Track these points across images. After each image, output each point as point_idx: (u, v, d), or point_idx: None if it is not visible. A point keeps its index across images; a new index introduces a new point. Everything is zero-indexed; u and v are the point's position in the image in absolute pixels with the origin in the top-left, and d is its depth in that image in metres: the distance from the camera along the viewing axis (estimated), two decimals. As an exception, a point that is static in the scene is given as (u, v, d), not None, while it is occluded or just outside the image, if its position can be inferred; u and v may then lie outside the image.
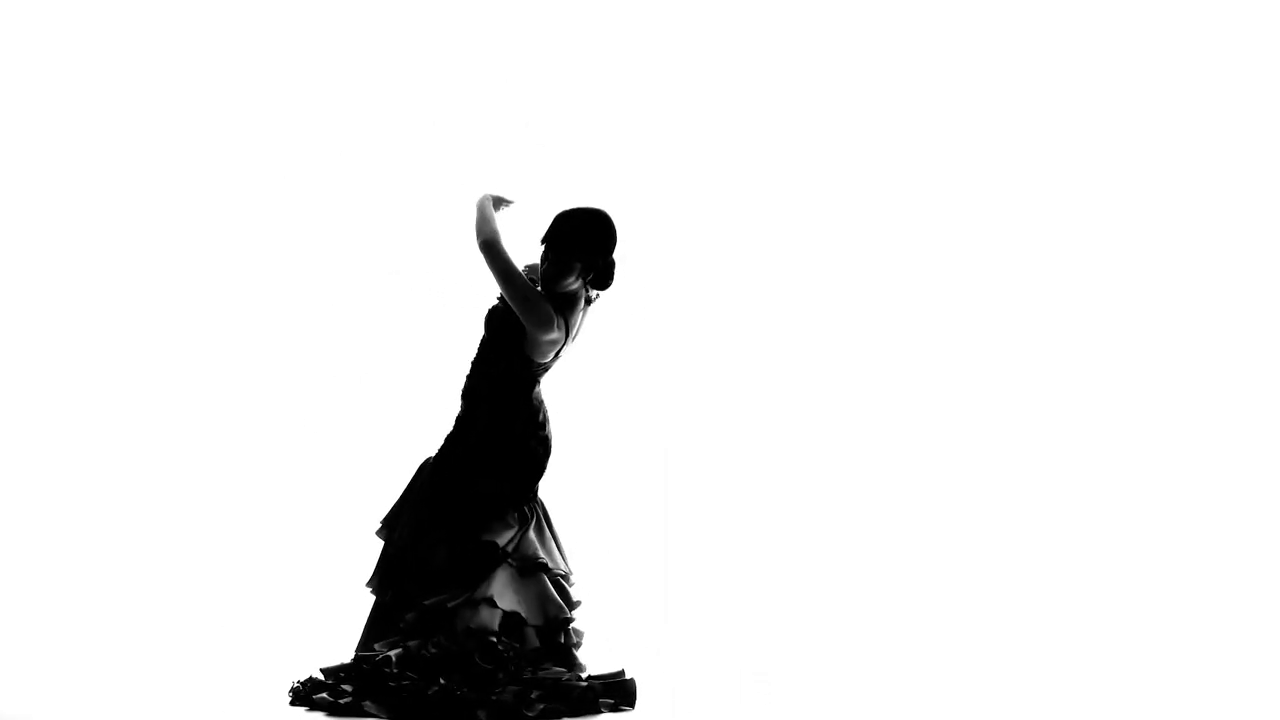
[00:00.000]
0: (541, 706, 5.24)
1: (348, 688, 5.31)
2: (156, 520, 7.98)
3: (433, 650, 5.34)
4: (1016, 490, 8.29)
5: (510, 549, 5.60)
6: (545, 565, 5.68)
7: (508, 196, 5.79)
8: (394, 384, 7.77)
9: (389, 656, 5.34)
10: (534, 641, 5.52)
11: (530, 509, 5.70)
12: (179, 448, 8.12)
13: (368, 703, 5.23)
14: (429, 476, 5.68)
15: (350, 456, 7.94)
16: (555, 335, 5.58)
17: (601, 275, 5.63)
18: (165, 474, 8.07)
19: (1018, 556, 7.99)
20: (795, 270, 8.39)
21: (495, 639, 5.40)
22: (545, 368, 5.67)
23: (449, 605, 5.44)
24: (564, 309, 5.60)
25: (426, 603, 5.46)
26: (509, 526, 5.62)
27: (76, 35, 8.07)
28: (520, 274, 5.55)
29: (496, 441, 5.61)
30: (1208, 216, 8.39)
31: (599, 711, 5.27)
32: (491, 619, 5.46)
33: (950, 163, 8.40)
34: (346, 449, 8.00)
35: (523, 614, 5.55)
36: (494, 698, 5.20)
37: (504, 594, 5.56)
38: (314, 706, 5.25)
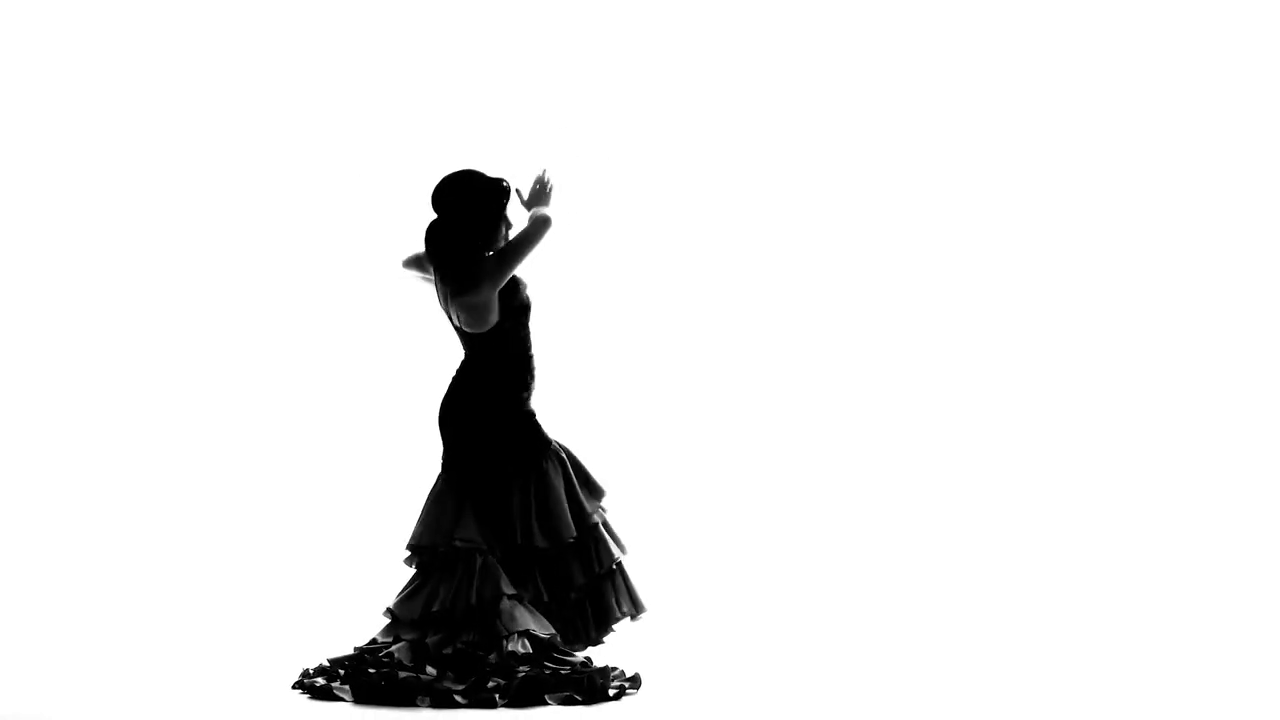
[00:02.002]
0: (489, 695, 5.35)
1: (342, 670, 5.55)
2: (172, 516, 8.24)
3: (459, 647, 5.52)
4: (1005, 487, 8.30)
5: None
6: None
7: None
8: (400, 382, 7.89)
9: (392, 652, 5.54)
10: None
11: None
12: (192, 446, 8.37)
13: (336, 685, 5.48)
14: None
15: (361, 456, 8.16)
16: None
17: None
18: (177, 472, 8.34)
19: (1008, 554, 7.95)
20: (788, 264, 8.49)
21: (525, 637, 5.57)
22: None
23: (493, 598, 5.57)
24: None
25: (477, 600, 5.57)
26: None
27: (79, 36, 8.31)
28: None
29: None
30: (1208, 216, 8.27)
31: (542, 704, 5.36)
32: (525, 621, 5.63)
33: (938, 159, 8.43)
34: (357, 448, 8.22)
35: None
36: (440, 685, 5.36)
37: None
38: (305, 690, 5.52)
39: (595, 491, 5.86)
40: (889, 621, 6.89)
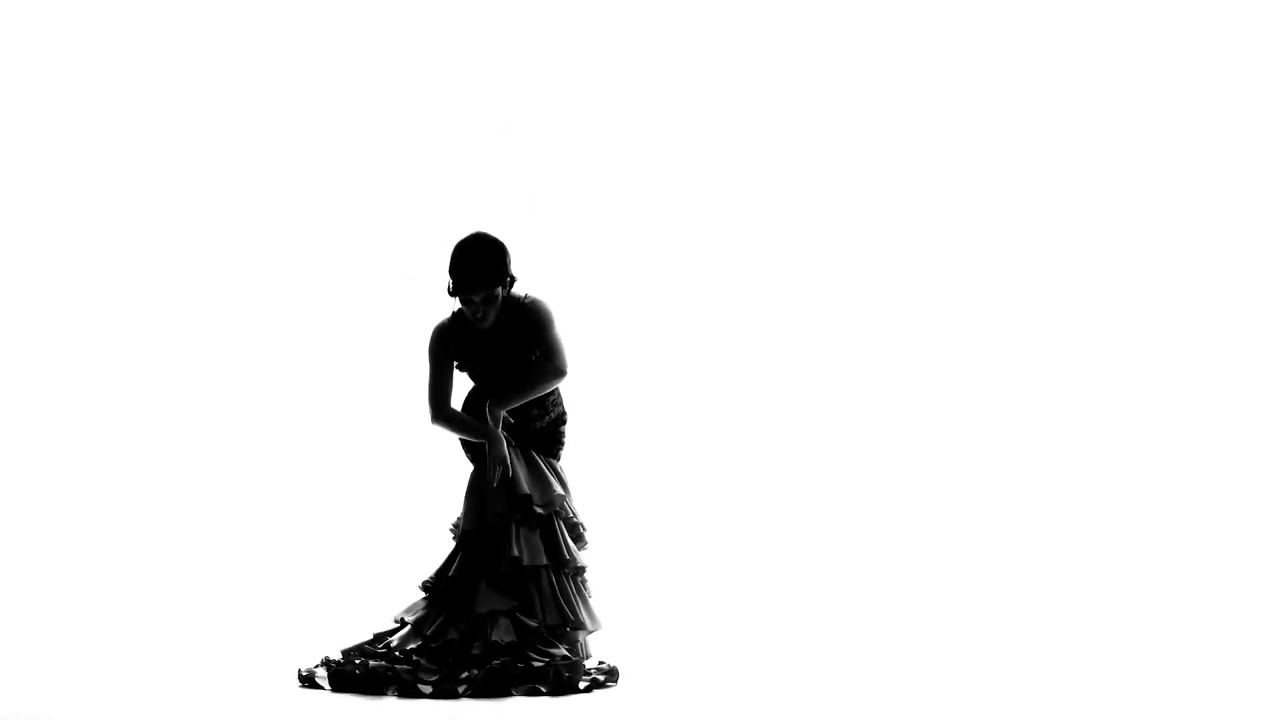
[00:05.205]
0: (459, 687, 5.40)
1: (338, 661, 5.66)
2: (177, 516, 8.29)
3: (451, 639, 5.60)
4: (997, 493, 8.15)
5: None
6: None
7: None
8: (402, 385, 7.87)
9: (390, 641, 5.69)
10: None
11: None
12: (196, 448, 8.43)
13: (316, 668, 5.63)
14: None
15: (364, 458, 8.20)
16: None
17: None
18: (183, 473, 8.40)
19: (999, 559, 7.82)
20: (789, 268, 8.42)
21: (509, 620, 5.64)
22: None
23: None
24: None
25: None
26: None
27: (85, 39, 8.38)
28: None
29: None
30: (1208, 217, 8.02)
31: (508, 695, 5.37)
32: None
33: (937, 162, 8.28)
34: (361, 450, 8.26)
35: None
36: (409, 676, 5.43)
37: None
38: (302, 680, 5.62)
39: (547, 490, 5.81)
40: (872, 623, 6.86)
